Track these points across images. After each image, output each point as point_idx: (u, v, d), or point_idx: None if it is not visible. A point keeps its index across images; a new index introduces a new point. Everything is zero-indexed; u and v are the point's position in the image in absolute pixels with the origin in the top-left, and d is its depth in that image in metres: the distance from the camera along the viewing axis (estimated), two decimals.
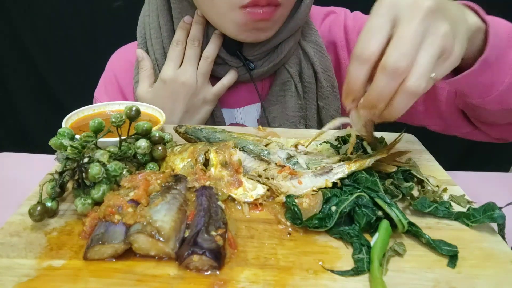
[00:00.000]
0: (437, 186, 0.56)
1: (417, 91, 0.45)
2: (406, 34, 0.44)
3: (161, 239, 0.41)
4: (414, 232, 0.47)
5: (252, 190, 0.52)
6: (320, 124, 0.88)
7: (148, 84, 0.83)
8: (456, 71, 0.57)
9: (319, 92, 0.86)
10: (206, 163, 0.55)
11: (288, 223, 0.48)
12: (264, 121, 0.84)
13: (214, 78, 0.83)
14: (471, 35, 0.54)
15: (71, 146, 0.49)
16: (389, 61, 0.44)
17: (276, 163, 0.56)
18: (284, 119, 0.84)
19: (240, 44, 0.79)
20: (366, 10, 0.90)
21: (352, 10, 0.91)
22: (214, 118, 0.85)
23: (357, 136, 0.64)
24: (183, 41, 0.80)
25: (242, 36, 0.75)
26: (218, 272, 0.41)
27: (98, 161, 0.48)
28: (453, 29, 0.46)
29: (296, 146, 0.62)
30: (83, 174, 0.47)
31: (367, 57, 0.45)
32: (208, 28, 0.80)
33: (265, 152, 0.57)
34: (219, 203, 0.48)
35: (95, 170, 0.46)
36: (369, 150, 0.58)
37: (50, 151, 0.52)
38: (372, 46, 0.45)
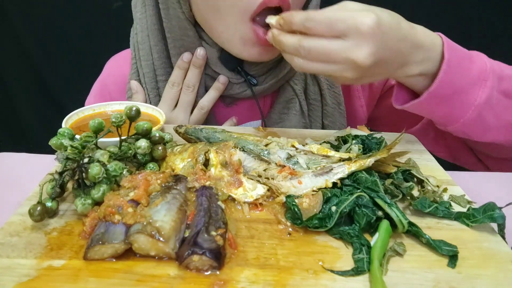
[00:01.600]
0: (437, 186, 0.56)
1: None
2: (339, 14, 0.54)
3: (161, 239, 0.41)
4: (414, 232, 0.47)
5: (252, 190, 0.52)
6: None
7: None
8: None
9: (324, 110, 0.84)
10: (206, 163, 0.55)
11: (288, 223, 0.48)
12: None
13: None
14: (413, 79, 0.61)
15: (71, 146, 0.49)
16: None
17: (276, 163, 0.56)
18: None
19: (241, 60, 0.76)
20: None
21: None
22: None
23: (356, 136, 0.64)
24: (179, 83, 0.77)
25: (246, 53, 0.72)
26: (218, 272, 0.41)
27: (98, 161, 0.48)
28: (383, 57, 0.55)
29: (294, 145, 0.62)
30: (83, 174, 0.47)
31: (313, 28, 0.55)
32: (209, 48, 0.77)
33: (265, 152, 0.57)
34: (219, 203, 0.48)
35: (95, 170, 0.46)
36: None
37: (50, 151, 0.52)
38: (318, 21, 0.54)
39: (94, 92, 0.90)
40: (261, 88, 0.79)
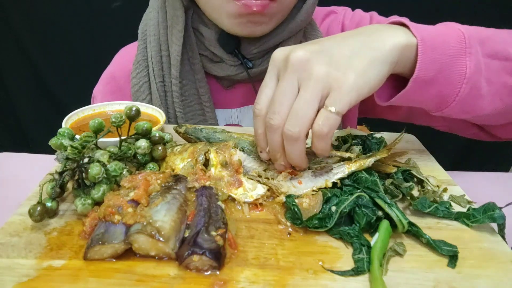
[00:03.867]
0: (437, 186, 0.56)
1: (293, 135, 0.48)
2: (276, 92, 0.49)
3: (161, 239, 0.41)
4: (414, 232, 0.47)
5: (252, 190, 0.52)
6: None
7: None
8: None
9: None
10: (206, 163, 0.55)
11: (288, 223, 0.48)
12: None
13: (210, 76, 0.82)
14: (401, 53, 0.52)
15: (71, 146, 0.49)
16: (266, 119, 0.50)
17: None
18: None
19: (238, 42, 0.79)
20: (369, 9, 0.91)
21: (354, 9, 0.91)
22: (207, 120, 0.84)
23: (356, 136, 0.64)
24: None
25: (237, 29, 0.74)
26: (218, 272, 0.41)
27: (98, 161, 0.48)
28: (337, 65, 0.48)
29: None
30: (83, 174, 0.47)
31: (258, 113, 0.51)
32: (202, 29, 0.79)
33: None
34: (219, 203, 0.48)
35: (95, 170, 0.46)
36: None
37: (50, 151, 0.52)
38: (260, 102, 0.51)
39: (103, 82, 0.92)
40: (258, 70, 0.81)
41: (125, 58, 0.91)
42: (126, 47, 0.95)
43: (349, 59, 0.49)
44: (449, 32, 0.56)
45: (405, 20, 0.57)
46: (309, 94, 0.47)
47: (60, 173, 0.49)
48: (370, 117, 0.94)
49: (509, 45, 0.58)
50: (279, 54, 0.51)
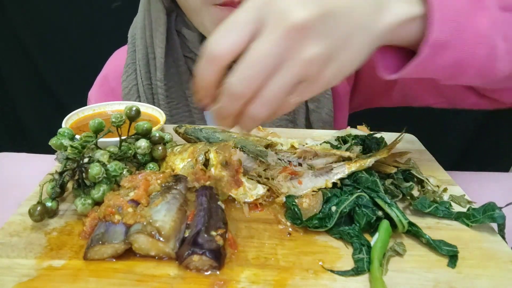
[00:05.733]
0: (437, 186, 0.56)
1: (258, 117, 0.40)
2: (257, 53, 0.38)
3: (161, 239, 0.41)
4: (414, 232, 0.47)
5: (252, 190, 0.52)
6: (309, 128, 0.83)
7: None
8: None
9: None
10: (206, 163, 0.55)
11: (288, 223, 0.48)
12: None
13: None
14: (402, 28, 0.44)
15: (71, 146, 0.49)
16: (229, 82, 0.39)
17: (276, 162, 0.56)
18: (269, 121, 0.80)
19: None
20: None
21: None
22: (194, 121, 0.83)
23: (356, 136, 0.64)
24: None
25: None
26: (218, 272, 0.41)
27: (98, 161, 0.48)
28: (332, 48, 0.39)
29: (294, 145, 0.62)
30: (83, 174, 0.47)
31: (218, 54, 0.38)
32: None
33: (264, 153, 0.57)
34: (219, 203, 0.48)
35: (95, 170, 0.46)
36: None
37: (50, 151, 0.52)
38: (222, 44, 0.38)
39: (97, 85, 0.92)
40: None
41: (117, 61, 0.91)
42: (119, 49, 0.96)
43: (346, 41, 0.40)
44: None
45: None
46: (288, 81, 0.39)
47: (60, 173, 0.49)
48: (364, 108, 0.92)
49: None
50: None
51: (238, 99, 0.39)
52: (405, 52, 0.50)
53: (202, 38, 0.78)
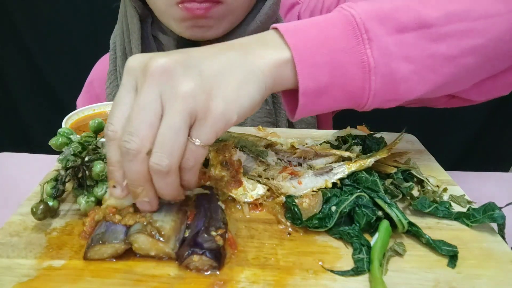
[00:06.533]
0: (437, 186, 0.56)
1: (162, 170, 0.39)
2: (134, 108, 0.39)
3: (161, 239, 0.41)
4: (414, 232, 0.47)
5: (252, 190, 0.52)
6: None
7: None
8: None
9: None
10: (206, 163, 0.55)
11: (288, 223, 0.48)
12: None
13: None
14: (277, 71, 0.44)
15: (78, 142, 0.50)
16: (121, 143, 0.39)
17: (276, 162, 0.56)
18: (250, 125, 0.79)
19: (197, 45, 0.75)
20: None
21: None
22: None
23: (356, 136, 0.64)
24: None
25: (187, 33, 0.73)
26: (218, 272, 0.41)
27: (102, 158, 0.48)
28: (204, 82, 0.40)
29: (293, 145, 0.62)
30: (86, 172, 0.48)
31: (112, 135, 0.40)
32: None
33: (263, 154, 0.57)
34: (219, 203, 0.48)
35: (98, 167, 0.46)
36: None
37: (50, 151, 0.52)
38: (114, 123, 0.40)
39: (83, 92, 0.93)
40: None
41: (102, 67, 0.91)
42: (104, 56, 0.95)
43: (218, 77, 0.41)
44: (336, 22, 0.46)
45: (283, 28, 0.46)
46: (177, 119, 0.38)
47: (67, 169, 0.49)
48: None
49: (421, 7, 0.47)
50: (135, 61, 0.41)
51: (135, 155, 0.39)
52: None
53: (178, 42, 0.78)
